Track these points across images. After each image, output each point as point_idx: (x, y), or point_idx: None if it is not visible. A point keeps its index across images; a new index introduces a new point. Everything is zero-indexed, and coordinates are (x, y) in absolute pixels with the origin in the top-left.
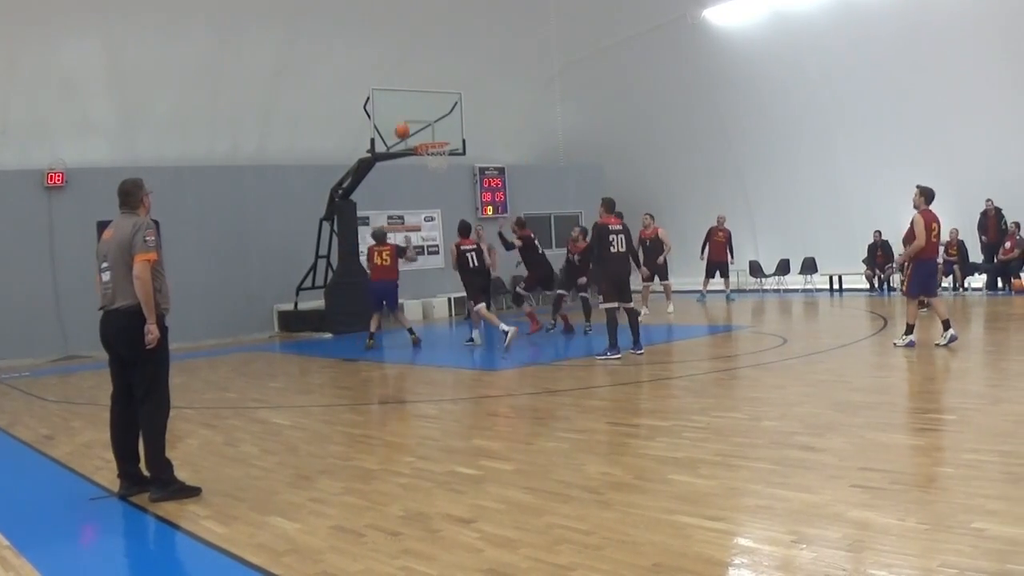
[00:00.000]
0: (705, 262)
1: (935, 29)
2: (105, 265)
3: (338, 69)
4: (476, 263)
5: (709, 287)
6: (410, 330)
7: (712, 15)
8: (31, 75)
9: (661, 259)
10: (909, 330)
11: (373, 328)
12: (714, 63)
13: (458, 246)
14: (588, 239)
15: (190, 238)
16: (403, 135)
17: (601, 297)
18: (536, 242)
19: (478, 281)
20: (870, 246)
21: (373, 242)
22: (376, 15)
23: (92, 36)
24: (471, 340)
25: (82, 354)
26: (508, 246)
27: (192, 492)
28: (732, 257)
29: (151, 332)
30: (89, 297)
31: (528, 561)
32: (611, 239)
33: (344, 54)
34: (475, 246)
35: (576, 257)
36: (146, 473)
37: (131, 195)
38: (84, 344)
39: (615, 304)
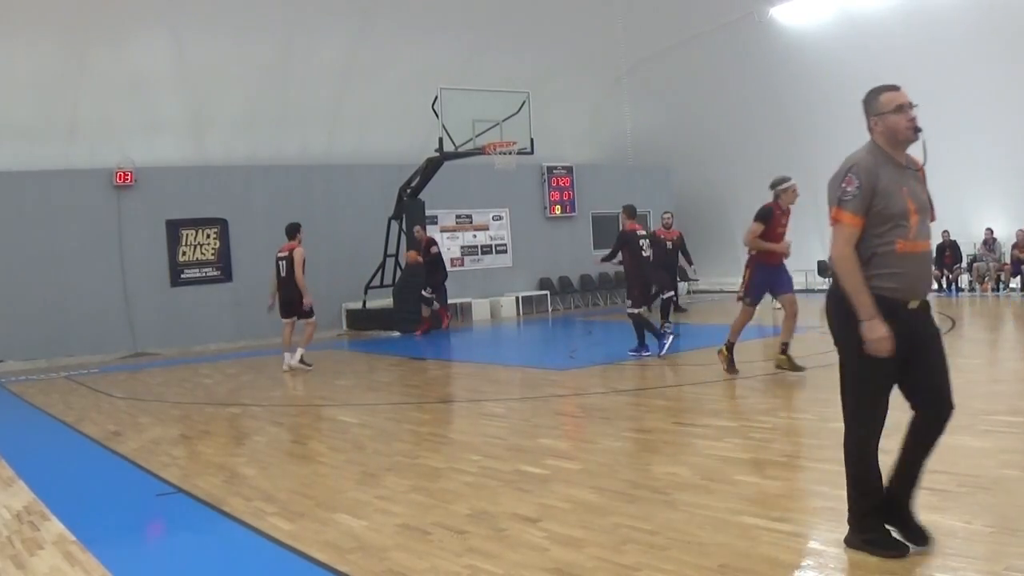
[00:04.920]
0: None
1: (1008, 30)
2: None
3: (406, 69)
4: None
5: None
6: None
7: (779, 14)
8: (101, 74)
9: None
10: None
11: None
12: (781, 62)
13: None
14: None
15: (259, 237)
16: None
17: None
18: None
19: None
20: (938, 247)
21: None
22: (444, 15)
23: (161, 36)
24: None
25: (150, 351)
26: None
27: (897, 549)
28: None
29: None
30: (160, 294)
31: (593, 561)
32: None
33: (412, 54)
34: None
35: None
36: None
37: None
38: (152, 341)
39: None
